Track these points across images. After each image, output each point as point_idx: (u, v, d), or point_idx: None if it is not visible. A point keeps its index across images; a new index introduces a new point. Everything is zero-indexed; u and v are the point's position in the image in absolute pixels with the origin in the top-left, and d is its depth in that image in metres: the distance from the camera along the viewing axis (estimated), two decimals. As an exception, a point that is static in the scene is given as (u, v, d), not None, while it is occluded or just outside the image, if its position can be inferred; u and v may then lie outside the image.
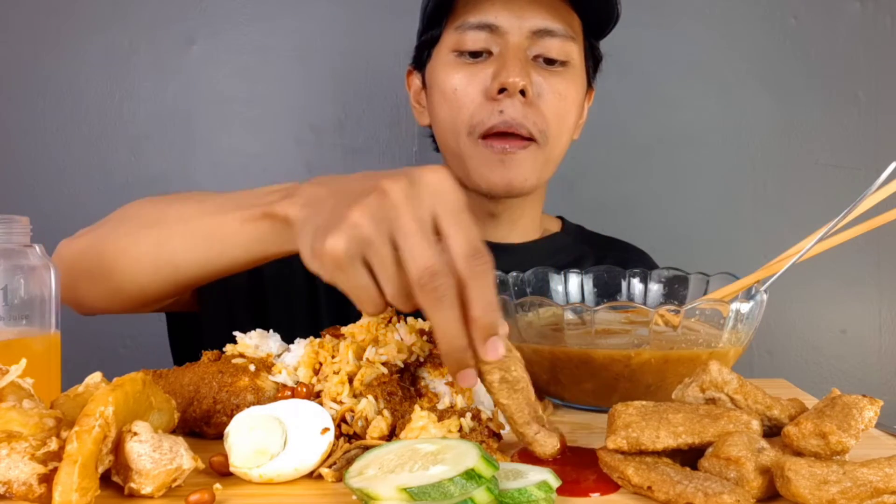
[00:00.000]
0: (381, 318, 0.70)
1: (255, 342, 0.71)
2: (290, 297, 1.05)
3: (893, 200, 0.73)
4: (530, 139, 1.00)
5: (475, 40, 1.00)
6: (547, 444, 0.57)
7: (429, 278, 0.52)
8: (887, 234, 1.47)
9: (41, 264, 0.69)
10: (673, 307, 0.75)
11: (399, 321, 0.70)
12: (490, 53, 1.01)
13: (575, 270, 0.96)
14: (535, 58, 1.01)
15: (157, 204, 0.84)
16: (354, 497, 0.48)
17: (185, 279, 0.78)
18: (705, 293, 0.88)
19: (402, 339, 0.67)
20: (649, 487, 0.50)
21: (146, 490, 0.50)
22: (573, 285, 0.96)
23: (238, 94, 1.50)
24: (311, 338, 0.69)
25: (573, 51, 1.03)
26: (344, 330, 0.69)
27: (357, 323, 0.70)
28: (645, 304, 0.94)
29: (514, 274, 0.93)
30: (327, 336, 0.69)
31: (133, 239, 0.79)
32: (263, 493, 0.52)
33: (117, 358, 1.48)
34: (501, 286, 0.92)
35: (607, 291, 0.96)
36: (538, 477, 0.49)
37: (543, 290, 0.94)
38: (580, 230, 1.24)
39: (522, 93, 0.98)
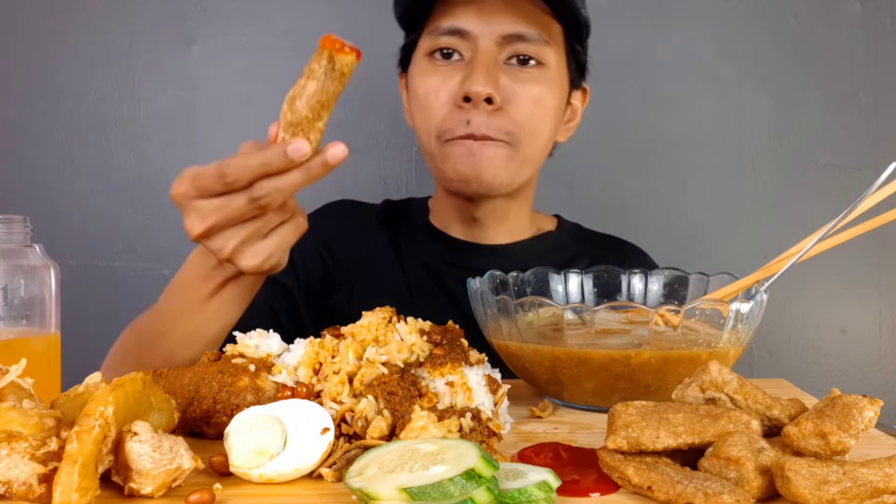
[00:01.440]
0: (382, 318, 0.70)
1: (255, 342, 0.71)
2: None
3: (893, 200, 0.73)
4: (501, 141, 1.00)
5: (446, 43, 1.01)
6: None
7: (257, 202, 0.68)
8: (887, 234, 1.47)
9: (41, 264, 0.69)
10: (673, 307, 0.75)
11: (399, 321, 0.70)
12: (462, 57, 1.01)
13: (575, 270, 0.96)
14: (509, 59, 1.00)
15: (142, 325, 0.90)
16: (354, 497, 0.48)
17: (216, 343, 0.83)
18: (705, 293, 0.88)
19: (402, 339, 0.67)
20: (649, 487, 0.50)
21: (146, 490, 0.50)
22: (573, 285, 0.96)
23: (238, 94, 1.50)
24: (311, 338, 0.69)
25: (548, 55, 1.02)
26: (344, 330, 0.69)
27: (357, 323, 0.70)
28: (645, 304, 0.94)
29: (514, 274, 0.93)
30: (327, 336, 0.69)
31: (151, 359, 0.82)
32: (263, 493, 0.52)
33: (117, 358, 1.48)
34: (501, 286, 0.92)
35: (607, 291, 0.96)
36: (538, 477, 0.49)
37: (543, 290, 0.94)
38: (577, 228, 1.23)
39: (490, 100, 0.97)
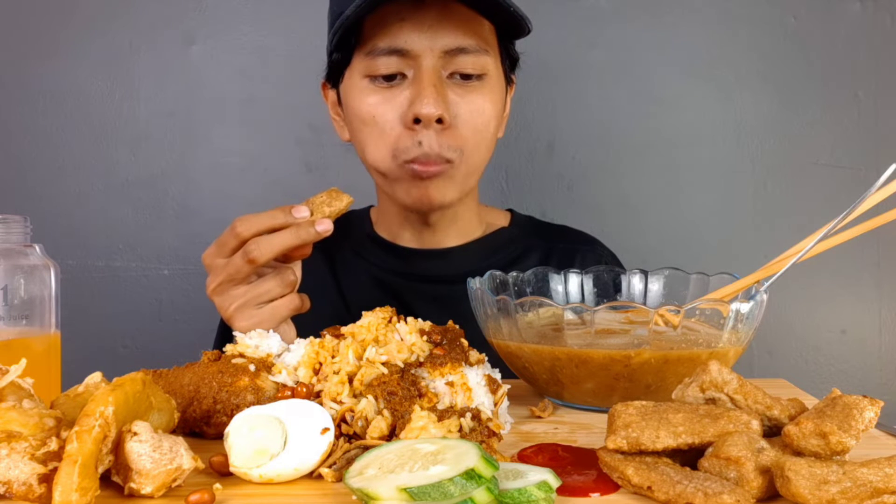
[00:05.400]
0: (382, 318, 0.70)
1: (255, 342, 0.71)
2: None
3: (893, 200, 0.73)
4: (447, 161, 0.98)
5: (387, 65, 0.96)
6: None
7: (247, 255, 0.81)
8: (887, 234, 1.47)
9: (41, 264, 0.69)
10: (673, 307, 0.75)
11: (399, 321, 0.70)
12: (404, 76, 0.98)
13: (575, 270, 0.96)
14: (451, 75, 0.98)
15: None
16: (354, 497, 0.48)
17: None
18: (705, 293, 0.88)
19: (402, 339, 0.67)
20: (649, 487, 0.50)
21: (146, 490, 0.50)
22: (573, 285, 0.96)
23: (238, 94, 1.50)
24: (311, 338, 0.69)
25: (488, 63, 0.99)
26: (344, 330, 0.69)
27: (357, 323, 0.70)
28: (645, 304, 0.94)
29: (514, 274, 0.93)
30: (327, 336, 0.69)
31: None
32: (263, 493, 0.52)
33: (117, 358, 1.48)
34: (501, 286, 0.92)
35: (607, 291, 0.96)
36: (538, 477, 0.49)
37: (543, 290, 0.94)
38: (530, 221, 1.21)
39: (439, 120, 0.95)
